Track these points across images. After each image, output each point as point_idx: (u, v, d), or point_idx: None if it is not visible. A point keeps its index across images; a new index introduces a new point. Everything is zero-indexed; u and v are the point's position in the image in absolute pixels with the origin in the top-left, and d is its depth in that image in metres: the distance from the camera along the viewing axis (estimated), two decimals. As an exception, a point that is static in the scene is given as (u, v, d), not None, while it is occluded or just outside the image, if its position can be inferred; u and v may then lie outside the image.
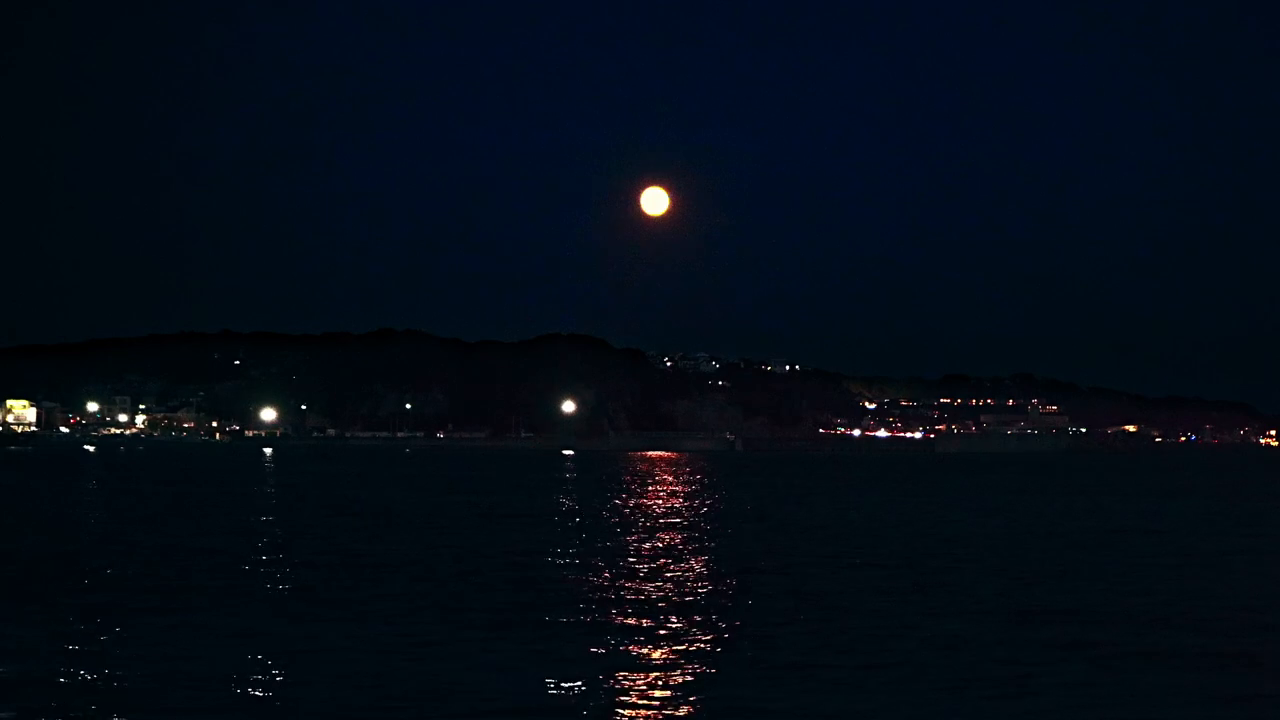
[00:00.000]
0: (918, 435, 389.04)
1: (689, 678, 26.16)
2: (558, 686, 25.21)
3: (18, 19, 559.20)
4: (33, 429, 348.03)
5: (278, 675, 26.04)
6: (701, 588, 40.24)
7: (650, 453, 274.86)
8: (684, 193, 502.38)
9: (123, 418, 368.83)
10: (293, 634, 30.97)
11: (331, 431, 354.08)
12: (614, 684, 25.42)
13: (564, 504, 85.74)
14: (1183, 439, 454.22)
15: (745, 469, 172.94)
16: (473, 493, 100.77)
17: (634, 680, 25.79)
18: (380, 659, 27.83)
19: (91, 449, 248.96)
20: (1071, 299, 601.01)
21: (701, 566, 46.52)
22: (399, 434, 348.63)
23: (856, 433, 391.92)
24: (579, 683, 25.47)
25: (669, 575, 43.44)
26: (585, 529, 63.69)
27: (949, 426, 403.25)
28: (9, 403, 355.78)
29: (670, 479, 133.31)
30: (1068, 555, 52.74)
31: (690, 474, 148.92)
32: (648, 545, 54.74)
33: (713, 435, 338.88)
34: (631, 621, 33.07)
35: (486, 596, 37.81)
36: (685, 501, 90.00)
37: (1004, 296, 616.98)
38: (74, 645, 28.91)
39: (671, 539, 58.31)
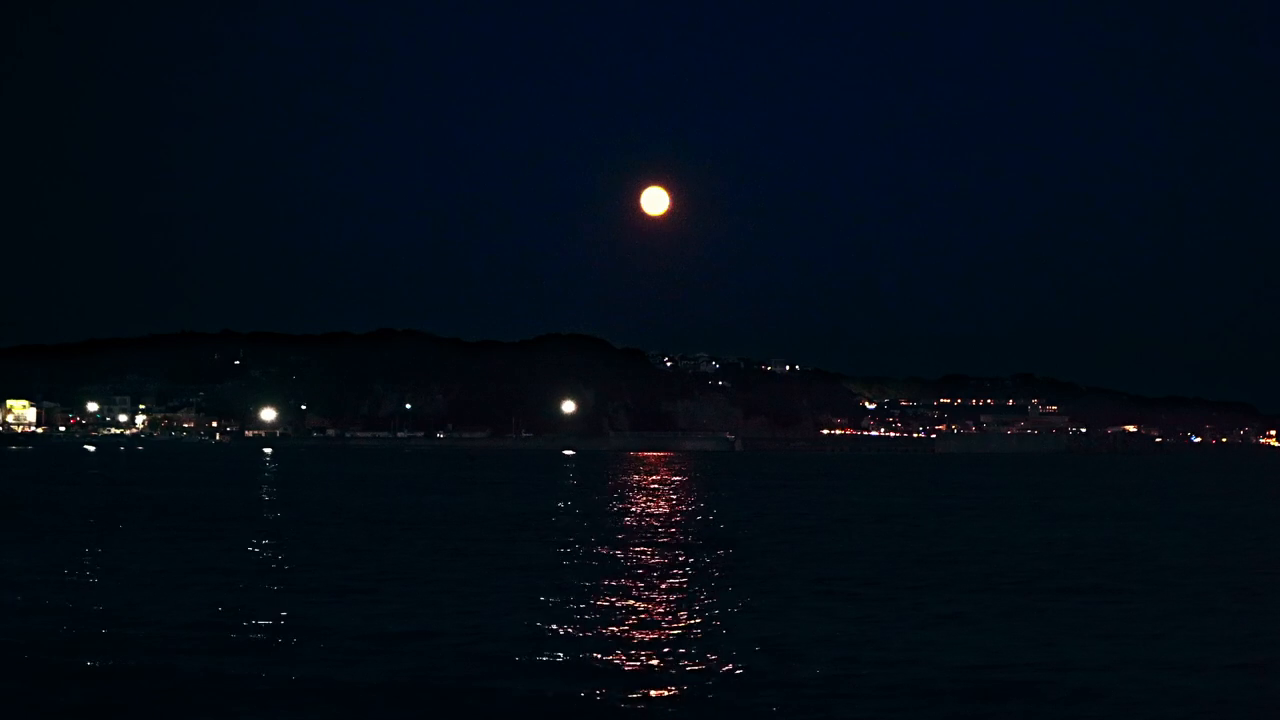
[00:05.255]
0: (917, 435, 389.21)
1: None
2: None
3: (17, 19, 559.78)
4: (33, 429, 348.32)
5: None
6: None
7: (650, 453, 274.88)
8: (684, 193, 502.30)
9: (123, 418, 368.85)
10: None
11: (331, 431, 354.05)
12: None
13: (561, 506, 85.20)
14: (1182, 437, 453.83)
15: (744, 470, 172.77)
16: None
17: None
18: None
19: (91, 449, 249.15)
20: (1071, 299, 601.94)
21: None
22: (399, 434, 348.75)
23: (856, 433, 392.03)
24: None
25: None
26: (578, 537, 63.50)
27: (949, 426, 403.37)
28: (9, 403, 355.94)
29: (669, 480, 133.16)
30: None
31: (689, 475, 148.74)
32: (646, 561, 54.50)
33: (713, 435, 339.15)
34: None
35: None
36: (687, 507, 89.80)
37: (1004, 296, 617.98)
38: None
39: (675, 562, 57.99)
